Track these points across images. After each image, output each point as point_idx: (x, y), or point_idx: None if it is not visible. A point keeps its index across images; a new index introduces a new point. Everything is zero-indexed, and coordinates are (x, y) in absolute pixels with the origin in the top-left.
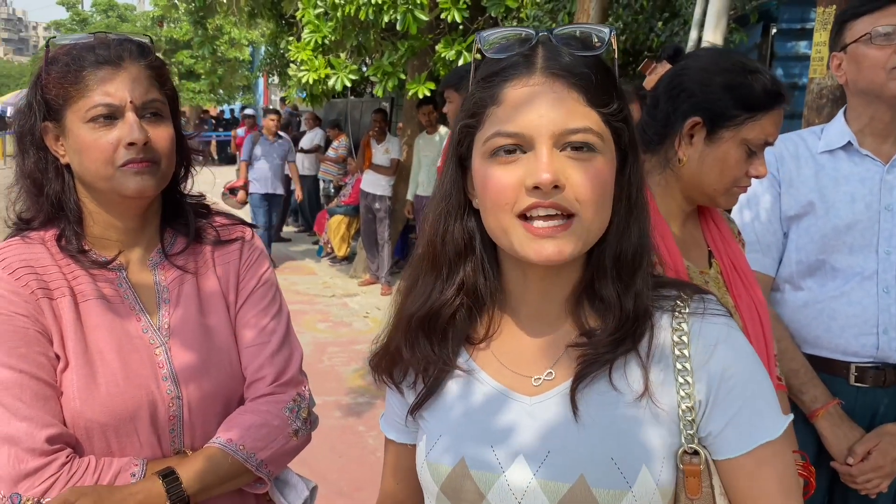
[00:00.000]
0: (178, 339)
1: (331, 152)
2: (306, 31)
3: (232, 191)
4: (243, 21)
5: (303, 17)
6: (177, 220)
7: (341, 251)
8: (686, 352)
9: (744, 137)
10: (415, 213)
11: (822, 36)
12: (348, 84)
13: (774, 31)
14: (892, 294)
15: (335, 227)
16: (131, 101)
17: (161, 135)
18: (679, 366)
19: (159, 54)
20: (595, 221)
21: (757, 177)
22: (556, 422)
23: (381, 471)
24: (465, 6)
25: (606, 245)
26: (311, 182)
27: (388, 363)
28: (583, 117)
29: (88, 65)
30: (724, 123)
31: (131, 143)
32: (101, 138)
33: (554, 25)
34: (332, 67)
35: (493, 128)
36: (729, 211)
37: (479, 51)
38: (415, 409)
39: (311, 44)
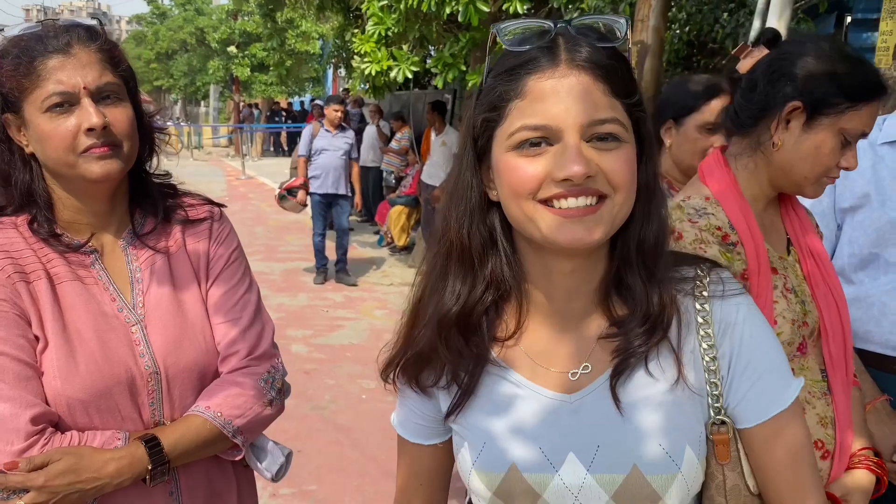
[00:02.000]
0: (152, 316)
1: (393, 144)
2: (370, 23)
3: (290, 191)
4: (312, 14)
5: (368, 9)
6: (145, 200)
7: (401, 241)
8: (710, 331)
9: (842, 126)
10: None
11: (888, 25)
12: (410, 76)
13: (849, 20)
14: None
15: (395, 218)
16: (85, 87)
17: (119, 117)
18: (705, 345)
19: (233, 47)
20: (624, 206)
21: (847, 168)
22: (601, 416)
23: None
24: None
25: (630, 233)
26: (374, 173)
27: (416, 366)
28: (609, 108)
29: (38, 55)
30: (824, 110)
31: (90, 129)
32: (59, 126)
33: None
34: (395, 59)
35: (518, 121)
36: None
37: (494, 40)
38: (451, 413)
39: (375, 36)
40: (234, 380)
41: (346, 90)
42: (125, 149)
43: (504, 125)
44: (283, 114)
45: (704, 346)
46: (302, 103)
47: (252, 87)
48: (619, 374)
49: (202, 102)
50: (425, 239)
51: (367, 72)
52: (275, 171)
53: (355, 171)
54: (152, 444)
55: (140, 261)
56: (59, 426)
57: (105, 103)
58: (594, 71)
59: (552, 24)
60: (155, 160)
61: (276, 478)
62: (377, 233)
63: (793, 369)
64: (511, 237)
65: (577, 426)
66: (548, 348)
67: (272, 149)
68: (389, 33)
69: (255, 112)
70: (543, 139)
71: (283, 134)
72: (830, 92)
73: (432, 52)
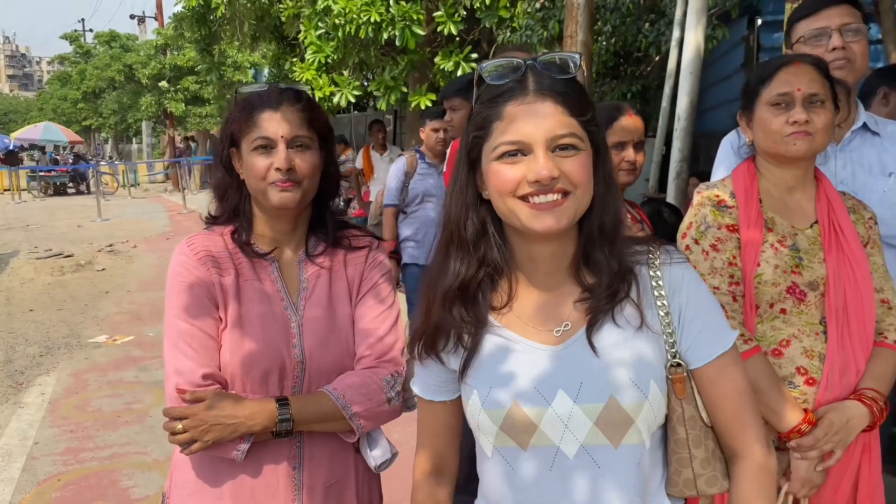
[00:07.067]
0: (309, 318)
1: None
2: (309, 51)
3: None
4: (247, 45)
5: (305, 38)
6: (321, 228)
7: None
8: (662, 292)
9: (764, 101)
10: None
11: None
12: (353, 100)
13: (759, 23)
14: None
15: None
16: (282, 136)
17: (305, 161)
18: (659, 302)
19: (164, 82)
20: (584, 199)
21: (797, 121)
22: (582, 360)
23: None
24: (459, 19)
25: (592, 219)
26: None
27: (431, 337)
28: (567, 125)
29: (256, 107)
30: (751, 101)
31: (278, 168)
32: (259, 161)
33: (545, 34)
34: (336, 85)
35: (500, 138)
36: None
37: (479, 77)
38: (463, 371)
39: (315, 63)
40: (361, 373)
41: None
42: (304, 186)
43: (489, 141)
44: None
45: (658, 303)
46: None
47: (187, 120)
48: (592, 326)
49: (134, 139)
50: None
51: None
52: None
53: None
54: (282, 402)
55: (308, 274)
56: (223, 387)
57: (296, 149)
58: (555, 97)
59: (522, 62)
60: (337, 200)
61: (380, 468)
62: None
63: (788, 310)
64: (501, 227)
65: (564, 369)
66: (535, 312)
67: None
68: (329, 60)
69: (192, 145)
70: (519, 150)
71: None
72: (747, 89)
73: (369, 76)
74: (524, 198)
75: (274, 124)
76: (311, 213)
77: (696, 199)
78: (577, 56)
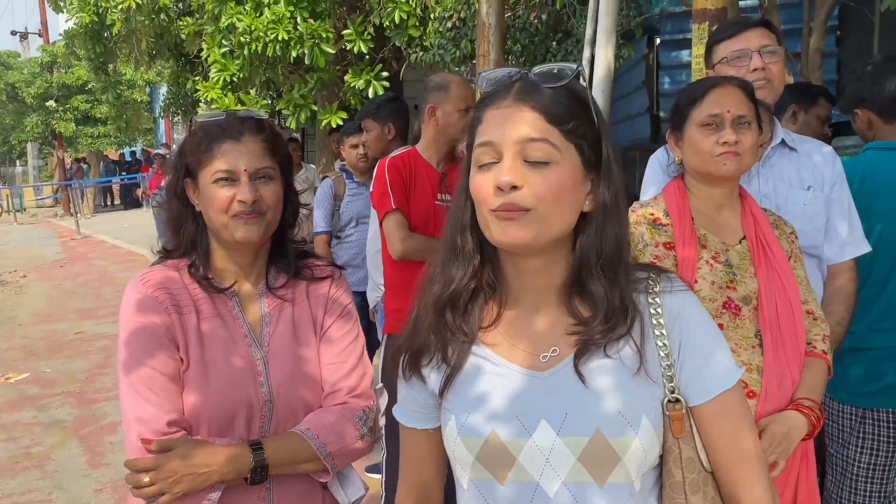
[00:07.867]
0: (274, 354)
1: None
2: (213, 70)
3: None
4: (144, 62)
5: (208, 56)
6: (281, 259)
7: None
8: (661, 321)
9: (695, 122)
10: None
11: (699, 49)
12: None
13: (658, 42)
14: None
15: None
16: (245, 169)
17: (269, 192)
18: (657, 332)
19: (52, 101)
20: (550, 216)
21: (726, 142)
22: (567, 389)
23: None
24: (369, 37)
25: (587, 245)
26: None
27: (416, 350)
28: (542, 131)
29: (216, 138)
30: (680, 122)
31: (241, 200)
32: (221, 195)
33: (457, 53)
34: (243, 104)
35: (478, 140)
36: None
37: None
38: (443, 391)
39: (220, 82)
40: (333, 410)
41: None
42: (267, 217)
43: (474, 146)
44: (127, 165)
45: (657, 332)
46: (133, 153)
47: (78, 141)
48: (580, 356)
49: (18, 161)
50: None
51: None
52: (113, 228)
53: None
54: (256, 447)
55: (270, 307)
56: (189, 433)
57: (259, 181)
58: (534, 103)
59: (517, 72)
60: (297, 228)
61: None
62: None
63: (725, 325)
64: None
65: (548, 397)
66: (522, 334)
67: (104, 204)
68: (235, 79)
69: (84, 167)
70: (494, 157)
71: (116, 187)
72: (677, 110)
73: (276, 95)
74: (496, 211)
75: (236, 157)
76: (271, 243)
77: (632, 217)
78: (574, 66)
